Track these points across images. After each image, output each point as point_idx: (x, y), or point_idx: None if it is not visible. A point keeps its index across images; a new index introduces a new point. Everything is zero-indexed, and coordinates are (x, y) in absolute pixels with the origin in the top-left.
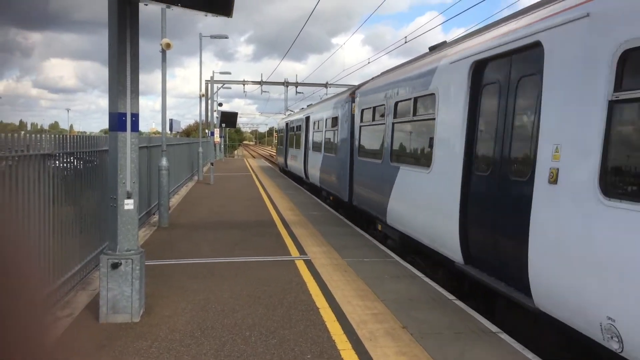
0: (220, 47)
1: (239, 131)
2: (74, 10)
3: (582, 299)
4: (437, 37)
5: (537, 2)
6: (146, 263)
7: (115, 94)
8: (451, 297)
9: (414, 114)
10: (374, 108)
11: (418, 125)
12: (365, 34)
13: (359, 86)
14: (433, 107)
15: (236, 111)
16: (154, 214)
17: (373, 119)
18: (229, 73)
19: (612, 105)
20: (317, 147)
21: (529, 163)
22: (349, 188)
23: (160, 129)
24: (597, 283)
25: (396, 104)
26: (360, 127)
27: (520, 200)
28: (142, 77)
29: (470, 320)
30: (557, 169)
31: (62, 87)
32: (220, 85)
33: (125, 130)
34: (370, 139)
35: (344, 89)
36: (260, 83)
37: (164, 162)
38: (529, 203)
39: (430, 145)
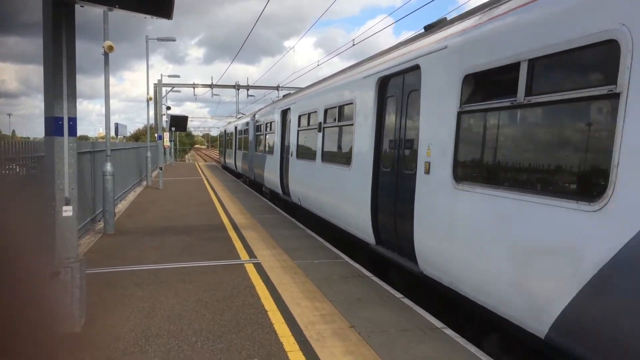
0: (170, 49)
1: (190, 135)
2: (17, 12)
3: (446, 259)
4: (388, 40)
5: (421, 34)
6: (89, 271)
7: (51, 98)
8: (398, 295)
9: (339, 120)
10: (308, 114)
11: (342, 130)
12: (318, 37)
13: (297, 92)
14: (352, 114)
15: (187, 115)
16: (99, 221)
17: (308, 124)
18: (178, 76)
19: (460, 115)
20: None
21: (414, 159)
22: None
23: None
24: (454, 248)
25: (325, 111)
26: (298, 131)
27: (409, 189)
28: (88, 81)
29: (417, 318)
30: (429, 163)
31: (4, 92)
32: (169, 88)
33: (62, 135)
34: (303, 142)
35: (294, 91)
36: (211, 86)
37: (108, 167)
38: (414, 190)
39: (350, 147)
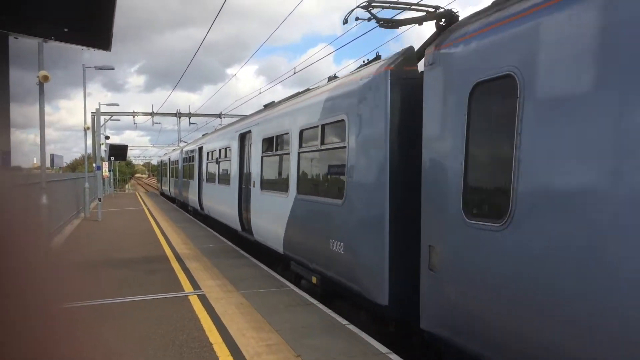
0: (109, 77)
1: (130, 164)
2: None
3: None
4: (330, 68)
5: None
6: None
7: None
8: (344, 321)
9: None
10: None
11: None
12: (260, 65)
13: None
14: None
15: (127, 143)
16: None
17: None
18: (117, 104)
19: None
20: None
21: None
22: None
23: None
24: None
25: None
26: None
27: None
28: (22, 110)
29: (363, 344)
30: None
31: None
32: (108, 117)
33: None
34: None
35: (237, 118)
36: (152, 114)
37: (44, 200)
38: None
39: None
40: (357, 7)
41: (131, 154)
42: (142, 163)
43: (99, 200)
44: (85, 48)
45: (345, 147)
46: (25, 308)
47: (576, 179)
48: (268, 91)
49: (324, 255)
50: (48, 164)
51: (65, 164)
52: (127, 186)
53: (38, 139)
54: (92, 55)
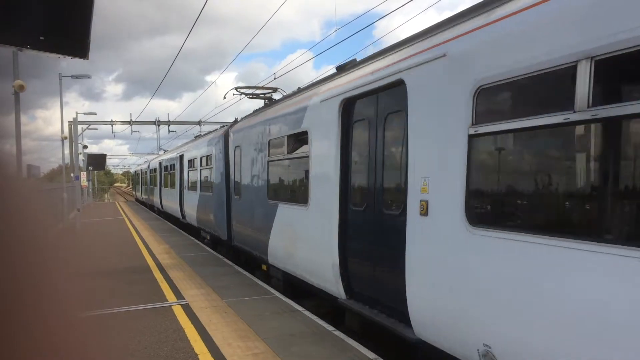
0: (86, 86)
1: (109, 173)
2: None
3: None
4: (309, 74)
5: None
6: None
7: None
8: (330, 328)
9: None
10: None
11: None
12: (240, 71)
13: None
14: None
15: (105, 153)
16: None
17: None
18: (95, 114)
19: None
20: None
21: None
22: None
23: None
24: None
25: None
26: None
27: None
28: None
29: (350, 350)
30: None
31: None
32: (85, 126)
33: None
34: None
35: (217, 126)
36: (130, 123)
37: None
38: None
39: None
40: (232, 89)
41: (110, 163)
42: (121, 172)
43: (78, 210)
44: (61, 56)
45: (212, 168)
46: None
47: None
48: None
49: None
50: (25, 174)
51: (42, 174)
52: (106, 195)
53: (14, 150)
54: (69, 64)
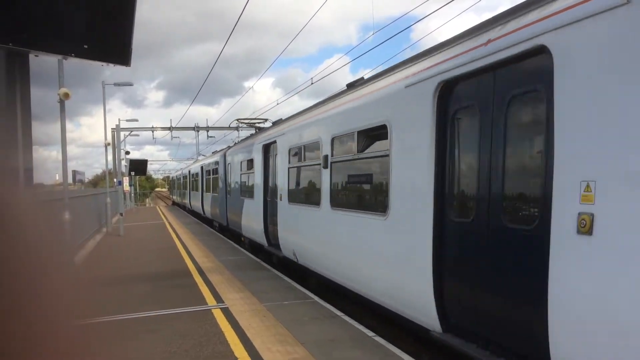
0: (128, 93)
1: (150, 178)
2: None
3: None
4: (347, 77)
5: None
6: None
7: (6, 149)
8: (370, 333)
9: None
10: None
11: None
12: (277, 77)
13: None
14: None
15: (146, 158)
16: None
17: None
18: (137, 120)
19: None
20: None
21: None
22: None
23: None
24: None
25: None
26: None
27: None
28: (44, 128)
29: (390, 356)
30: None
31: None
32: (127, 133)
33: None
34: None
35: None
36: (170, 129)
37: (66, 216)
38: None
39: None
40: (235, 120)
41: (151, 168)
42: (161, 177)
43: (121, 214)
44: (104, 64)
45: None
46: (46, 324)
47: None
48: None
49: None
50: (70, 180)
51: (86, 180)
52: (147, 200)
53: (60, 156)
54: (112, 73)
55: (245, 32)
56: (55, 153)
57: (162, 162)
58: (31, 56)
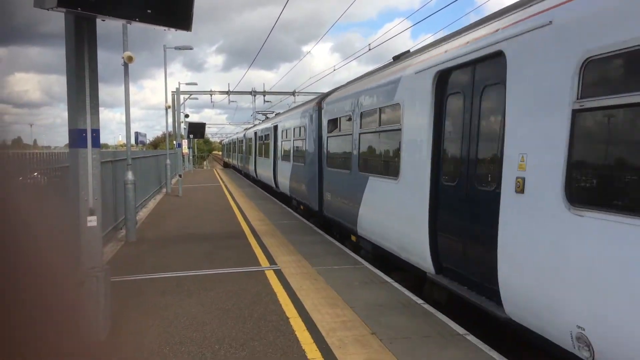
0: (189, 57)
1: (207, 141)
2: (39, 23)
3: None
4: (405, 43)
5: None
6: (113, 279)
7: (75, 110)
8: (419, 301)
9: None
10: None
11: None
12: (335, 42)
13: (326, 95)
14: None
15: (204, 122)
16: (121, 229)
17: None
18: (196, 84)
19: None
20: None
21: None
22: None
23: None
24: None
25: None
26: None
27: None
28: (110, 90)
29: (438, 324)
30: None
31: (27, 102)
32: (187, 96)
33: (85, 146)
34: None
35: (311, 96)
36: (228, 93)
37: (130, 176)
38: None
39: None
40: (255, 112)
41: (209, 131)
42: (219, 140)
43: (180, 176)
44: (166, 29)
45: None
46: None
47: None
48: (343, 68)
49: None
50: (133, 141)
51: (148, 141)
52: (205, 163)
53: (123, 117)
54: (174, 37)
55: None
56: (119, 115)
57: (220, 126)
58: (98, 21)
